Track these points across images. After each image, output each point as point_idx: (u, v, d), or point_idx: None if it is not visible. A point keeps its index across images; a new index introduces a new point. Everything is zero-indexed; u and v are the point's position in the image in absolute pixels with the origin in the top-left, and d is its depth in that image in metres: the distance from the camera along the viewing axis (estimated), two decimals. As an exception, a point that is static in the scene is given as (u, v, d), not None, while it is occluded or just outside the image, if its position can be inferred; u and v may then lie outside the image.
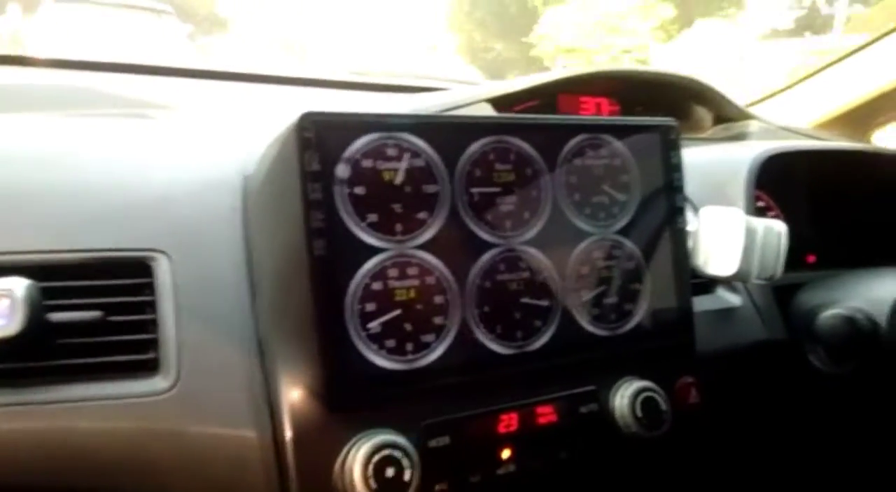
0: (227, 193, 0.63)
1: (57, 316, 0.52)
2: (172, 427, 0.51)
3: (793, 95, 1.39)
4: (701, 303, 0.71)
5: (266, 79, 1.17)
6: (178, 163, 0.67)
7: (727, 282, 0.76)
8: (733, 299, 0.76)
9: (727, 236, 0.67)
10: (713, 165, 0.85)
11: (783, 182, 0.92)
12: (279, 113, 0.78)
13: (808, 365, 0.76)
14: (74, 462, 0.50)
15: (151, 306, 0.55)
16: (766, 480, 0.86)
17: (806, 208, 0.98)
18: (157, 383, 0.52)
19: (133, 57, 4.59)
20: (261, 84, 1.16)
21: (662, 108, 1.17)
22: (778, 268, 0.69)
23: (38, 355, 0.51)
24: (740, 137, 1.15)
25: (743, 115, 1.18)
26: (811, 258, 0.99)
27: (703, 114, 1.23)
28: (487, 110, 0.96)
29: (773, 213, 0.97)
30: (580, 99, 1.14)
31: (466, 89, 1.02)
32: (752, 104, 1.36)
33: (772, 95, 1.36)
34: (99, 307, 0.53)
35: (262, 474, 0.52)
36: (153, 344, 0.54)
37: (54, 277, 0.53)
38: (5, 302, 0.49)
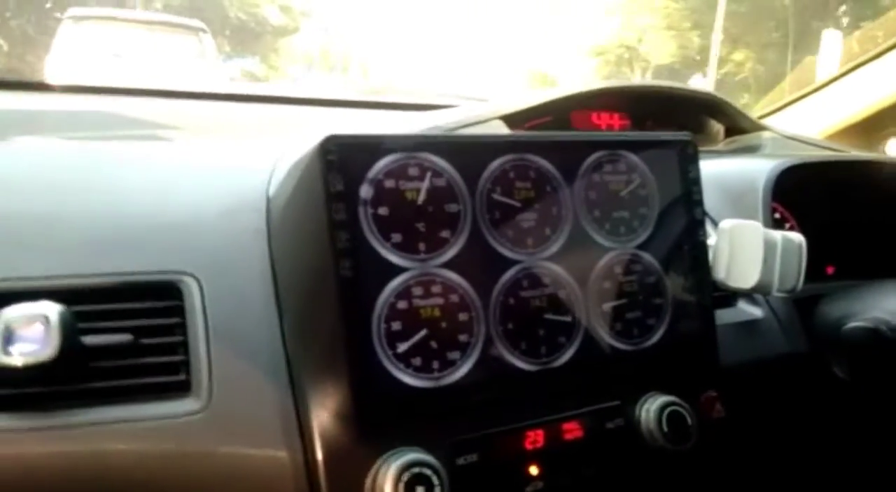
0: (252, 215, 0.64)
1: (90, 339, 0.53)
2: (204, 448, 0.52)
3: (803, 107, 1.39)
4: (722, 316, 0.71)
5: (279, 100, 1.19)
6: (202, 185, 0.68)
7: (748, 295, 0.76)
8: (755, 312, 0.76)
9: (747, 249, 0.67)
10: (729, 177, 0.86)
11: (799, 194, 0.93)
12: (297, 134, 0.79)
13: (832, 377, 0.75)
14: (108, 484, 0.51)
15: (181, 329, 0.55)
16: (789, 489, 0.85)
17: (822, 220, 0.98)
18: (189, 404, 0.53)
19: (167, 78, 4.51)
20: (273, 105, 1.18)
21: (673, 121, 1.18)
22: (799, 280, 0.69)
23: (71, 379, 0.52)
24: (753, 148, 1.15)
25: (756, 127, 1.18)
26: (830, 269, 0.99)
27: (715, 126, 1.23)
28: (500, 127, 0.97)
29: (789, 224, 0.97)
30: (592, 114, 1.15)
31: (479, 106, 1.03)
32: (763, 116, 1.37)
33: (782, 107, 1.37)
34: (130, 330, 0.54)
35: None
36: (184, 366, 0.54)
37: (86, 301, 0.54)
38: (40, 327, 0.50)
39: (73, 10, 6.22)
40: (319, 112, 1.11)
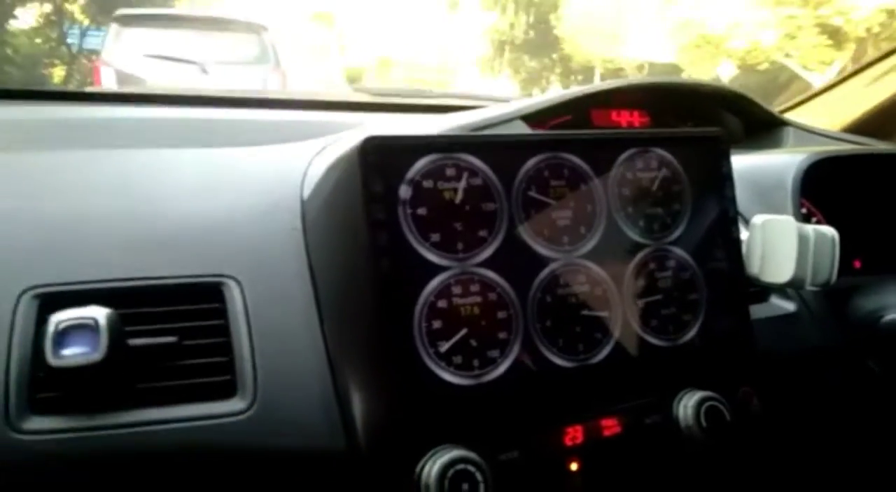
0: (287, 217, 0.65)
1: (136, 342, 0.54)
2: (251, 446, 0.53)
3: (824, 100, 1.39)
4: (756, 311, 0.71)
5: (303, 104, 1.20)
6: (236, 189, 0.69)
7: (781, 289, 0.76)
8: (788, 306, 0.76)
9: (780, 244, 0.67)
10: (757, 173, 0.86)
11: (825, 188, 0.92)
12: (326, 138, 0.80)
13: (867, 370, 0.75)
14: (156, 484, 0.52)
15: (225, 330, 0.56)
16: (826, 484, 0.85)
17: (849, 213, 0.98)
18: (235, 404, 0.54)
19: (226, 82, 4.12)
20: (297, 110, 1.19)
21: (693, 117, 1.17)
22: (832, 274, 0.69)
23: (119, 380, 0.53)
24: (776, 143, 1.15)
25: (778, 121, 1.18)
26: (857, 263, 0.98)
27: (734, 121, 1.23)
28: (522, 127, 0.98)
29: (816, 218, 0.96)
30: (612, 112, 1.16)
31: (500, 107, 1.04)
32: (785, 110, 1.36)
33: (804, 101, 1.36)
34: (175, 332, 0.55)
35: (339, 491, 0.53)
36: (229, 366, 0.55)
37: (132, 305, 0.55)
38: (89, 330, 0.51)
39: (122, 11, 5.79)
40: (343, 116, 1.12)
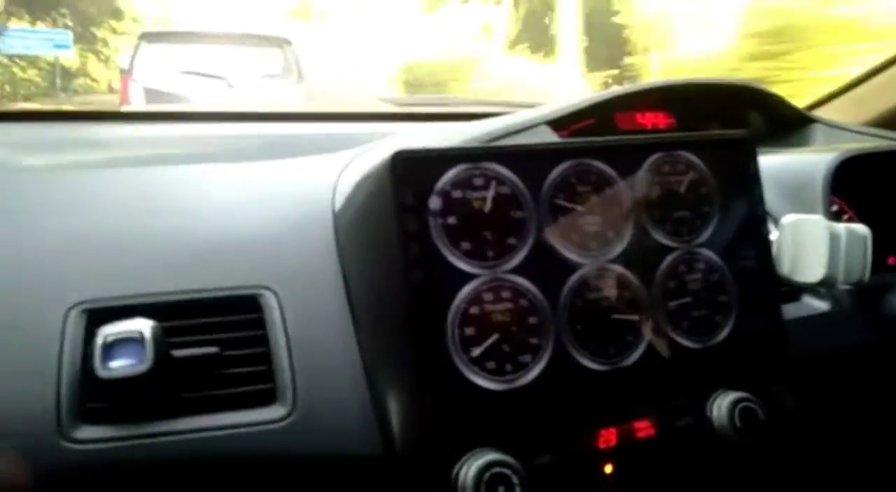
0: (321, 229, 0.66)
1: (179, 353, 0.56)
2: (290, 452, 0.54)
3: (851, 96, 1.37)
4: (788, 311, 0.71)
5: (330, 117, 1.22)
6: (269, 203, 0.71)
7: (813, 289, 0.76)
8: (821, 305, 0.75)
9: (811, 243, 0.67)
10: (786, 172, 0.85)
11: (856, 185, 0.91)
12: (354, 150, 0.82)
13: None
14: (202, 489, 0.54)
15: (264, 340, 0.58)
16: (861, 482, 0.84)
17: (881, 210, 0.96)
18: (275, 411, 0.55)
19: (253, 97, 4.18)
20: (325, 122, 1.21)
21: (718, 117, 1.17)
22: (865, 272, 0.68)
23: (165, 390, 0.55)
24: (803, 141, 1.14)
25: (803, 119, 1.17)
26: (892, 260, 0.97)
27: (760, 119, 1.22)
28: (547, 132, 0.98)
29: (847, 216, 0.95)
30: (636, 115, 1.16)
31: (525, 113, 1.04)
32: (810, 107, 1.35)
33: (830, 97, 1.34)
34: (216, 343, 0.57)
35: None
36: (269, 375, 0.57)
37: (175, 317, 0.57)
38: (136, 342, 0.54)
39: (148, 29, 6.07)
40: (370, 127, 1.14)
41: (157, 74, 5.47)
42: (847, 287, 0.72)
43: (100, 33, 11.50)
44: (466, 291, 0.55)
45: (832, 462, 0.79)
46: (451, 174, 0.56)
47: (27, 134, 0.88)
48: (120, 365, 0.53)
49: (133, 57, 5.72)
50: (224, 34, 6.21)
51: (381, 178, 0.56)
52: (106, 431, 0.53)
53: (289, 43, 6.10)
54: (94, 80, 11.06)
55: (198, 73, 5.41)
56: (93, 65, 11.29)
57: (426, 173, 0.56)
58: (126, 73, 5.76)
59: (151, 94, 5.31)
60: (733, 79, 1.17)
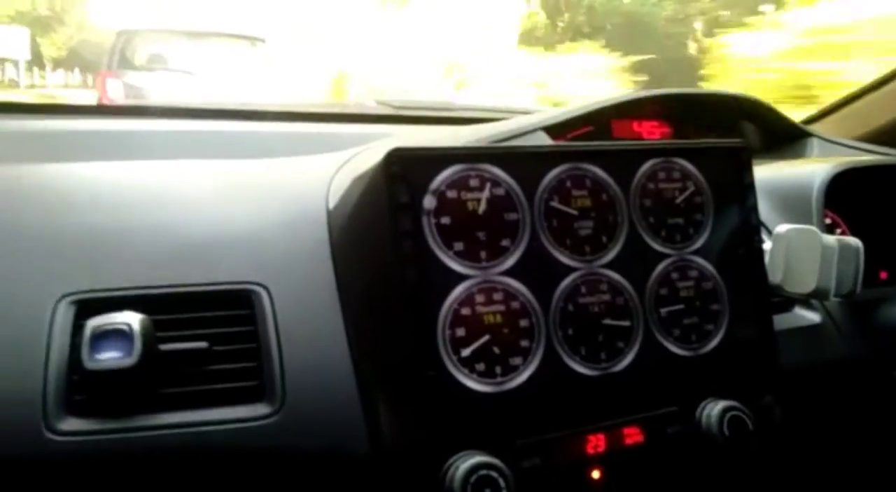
0: (314, 227, 0.66)
1: (168, 347, 0.55)
2: (277, 449, 0.54)
3: (846, 112, 1.37)
4: (779, 321, 0.70)
5: (327, 117, 1.22)
6: (263, 200, 0.71)
7: (805, 300, 0.76)
8: (812, 317, 0.76)
9: (804, 254, 0.67)
10: (781, 183, 0.86)
11: (850, 198, 0.92)
12: (349, 150, 0.82)
13: (891, 380, 0.74)
14: (186, 484, 0.53)
15: (254, 336, 0.58)
16: None
17: (873, 224, 0.97)
18: (263, 408, 0.55)
19: (234, 92, 4.24)
20: (322, 122, 1.21)
21: (714, 127, 1.17)
22: (857, 285, 0.68)
23: (152, 384, 0.54)
24: (798, 153, 1.15)
25: (799, 132, 1.17)
26: (883, 274, 0.97)
27: (756, 131, 1.23)
28: (544, 138, 0.99)
29: (840, 229, 0.96)
30: (633, 123, 1.16)
31: (522, 119, 1.05)
32: (807, 121, 1.35)
33: (826, 112, 1.35)
34: (205, 338, 0.56)
35: None
36: (257, 372, 0.57)
37: (164, 311, 0.57)
38: (123, 335, 0.53)
39: (123, 27, 5.97)
40: (367, 128, 1.14)
41: (133, 71, 5.55)
42: (839, 300, 0.72)
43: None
44: (458, 291, 0.55)
45: (820, 473, 0.79)
46: (446, 174, 0.56)
47: (9, 127, 0.87)
48: (107, 357, 0.52)
49: (110, 54, 5.77)
50: (199, 32, 6.27)
51: (377, 176, 0.56)
52: (91, 423, 0.52)
53: (263, 41, 6.24)
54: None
55: (173, 70, 5.52)
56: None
57: (421, 172, 0.56)
58: (103, 70, 5.81)
59: (129, 90, 5.32)
60: (730, 90, 1.18)
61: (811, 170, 0.86)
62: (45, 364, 0.53)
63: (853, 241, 0.69)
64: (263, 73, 5.95)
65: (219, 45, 6.07)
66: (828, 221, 0.94)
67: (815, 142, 1.15)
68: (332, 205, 0.68)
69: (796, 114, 1.34)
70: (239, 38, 6.28)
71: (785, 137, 1.19)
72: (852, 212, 0.96)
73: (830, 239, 0.68)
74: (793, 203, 0.82)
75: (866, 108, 1.34)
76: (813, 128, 1.22)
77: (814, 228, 0.68)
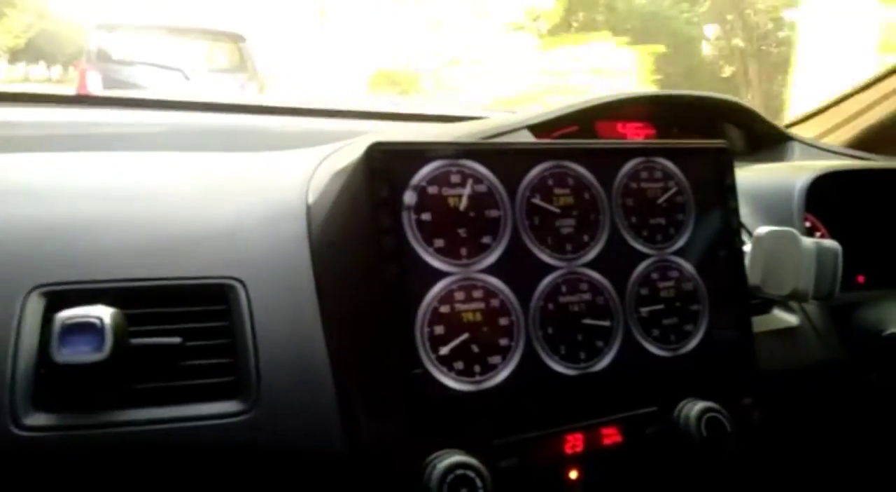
0: (293, 222, 0.65)
1: (140, 341, 0.54)
2: (251, 447, 0.53)
3: (828, 117, 1.39)
4: (758, 323, 0.71)
5: (310, 112, 1.21)
6: (242, 194, 0.69)
7: (783, 302, 0.76)
8: (790, 319, 0.76)
9: (783, 256, 0.67)
10: (762, 186, 0.86)
11: (830, 202, 0.93)
12: (330, 145, 0.81)
13: (867, 383, 0.75)
14: (157, 482, 0.52)
15: (229, 332, 0.57)
16: None
17: (852, 228, 0.98)
18: (237, 405, 0.54)
19: (211, 89, 4.26)
20: (304, 117, 1.20)
21: (698, 129, 1.18)
22: (835, 287, 0.69)
23: (123, 379, 0.53)
24: (779, 157, 1.15)
25: (781, 136, 1.18)
26: (861, 278, 0.98)
27: (737, 134, 1.24)
28: (527, 137, 0.98)
29: (819, 233, 0.96)
30: (617, 124, 1.16)
31: (506, 117, 1.04)
32: (790, 125, 1.37)
33: (808, 116, 1.37)
34: (179, 333, 0.55)
35: None
36: (232, 368, 0.56)
37: (137, 305, 0.56)
38: (94, 329, 0.52)
39: (103, 20, 5.94)
40: (350, 124, 1.13)
41: (114, 64, 5.47)
42: (817, 302, 0.72)
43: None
44: (438, 289, 0.55)
45: (797, 475, 0.79)
46: (427, 170, 0.56)
47: None
48: (77, 351, 0.51)
49: (89, 47, 5.69)
50: (178, 27, 6.24)
51: (357, 170, 0.55)
52: (59, 418, 0.51)
53: (243, 39, 6.19)
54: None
55: (153, 64, 5.48)
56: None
57: (402, 168, 0.55)
58: (83, 63, 5.73)
59: (108, 83, 5.26)
60: (714, 94, 1.19)
61: (792, 174, 0.86)
62: (14, 357, 0.52)
63: (832, 244, 0.69)
64: (243, 69, 5.97)
65: (199, 41, 6.08)
66: (807, 224, 0.95)
67: (796, 146, 1.16)
68: (311, 200, 0.68)
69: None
70: (219, 34, 6.28)
71: (767, 141, 1.20)
72: (832, 216, 0.97)
73: (809, 242, 0.68)
74: (773, 206, 0.83)
75: (847, 113, 1.35)
76: (795, 132, 1.23)
77: (793, 230, 0.68)
